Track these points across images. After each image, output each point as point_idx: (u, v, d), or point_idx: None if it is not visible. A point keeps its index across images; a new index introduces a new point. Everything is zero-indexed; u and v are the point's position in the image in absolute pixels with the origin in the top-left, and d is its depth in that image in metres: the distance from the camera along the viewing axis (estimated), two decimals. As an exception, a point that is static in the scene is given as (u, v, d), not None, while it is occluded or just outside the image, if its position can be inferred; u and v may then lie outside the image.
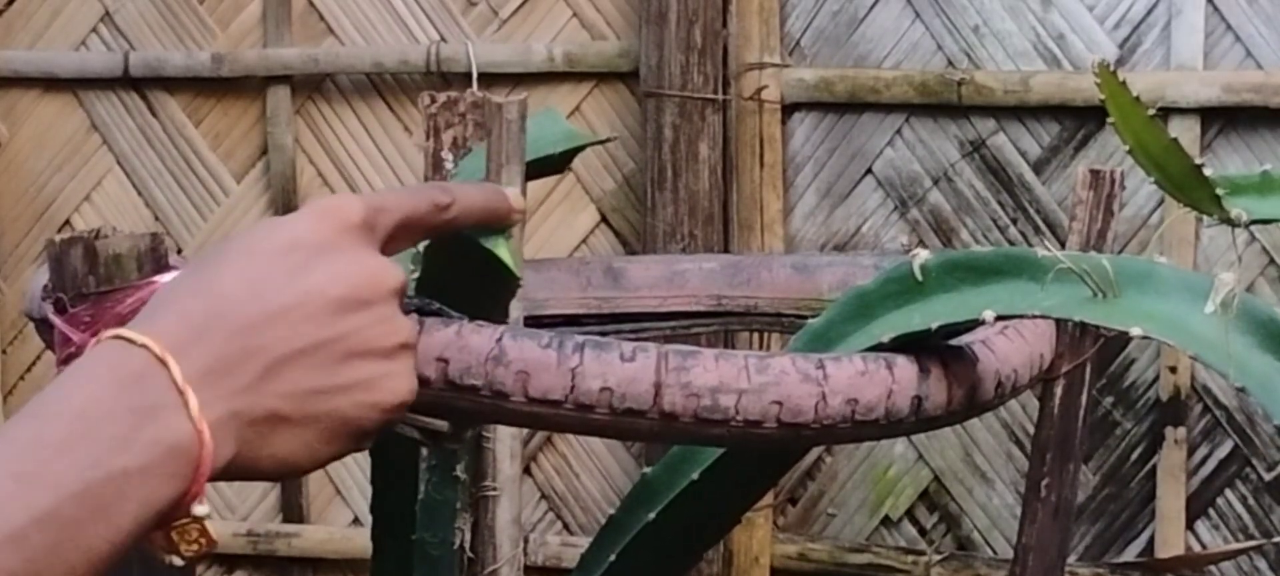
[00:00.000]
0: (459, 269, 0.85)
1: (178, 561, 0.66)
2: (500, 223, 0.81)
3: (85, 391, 0.63)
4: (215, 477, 0.66)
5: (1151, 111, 1.15)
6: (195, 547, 0.65)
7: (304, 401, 0.67)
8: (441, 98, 1.73)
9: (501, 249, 0.84)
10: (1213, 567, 2.33)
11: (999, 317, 0.88)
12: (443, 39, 2.55)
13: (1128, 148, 1.16)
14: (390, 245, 0.74)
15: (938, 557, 2.39)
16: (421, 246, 0.90)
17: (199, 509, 0.64)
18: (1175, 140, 1.16)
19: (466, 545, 1.72)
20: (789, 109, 2.42)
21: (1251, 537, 2.30)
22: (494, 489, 1.72)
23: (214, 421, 0.64)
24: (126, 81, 2.67)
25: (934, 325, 0.87)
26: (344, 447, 0.70)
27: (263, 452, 0.67)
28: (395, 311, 0.71)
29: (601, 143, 2.39)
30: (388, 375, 0.70)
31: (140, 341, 0.64)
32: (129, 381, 0.63)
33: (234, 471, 0.67)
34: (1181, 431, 2.29)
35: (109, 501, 0.61)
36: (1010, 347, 0.95)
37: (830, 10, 2.40)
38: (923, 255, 0.91)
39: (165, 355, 0.64)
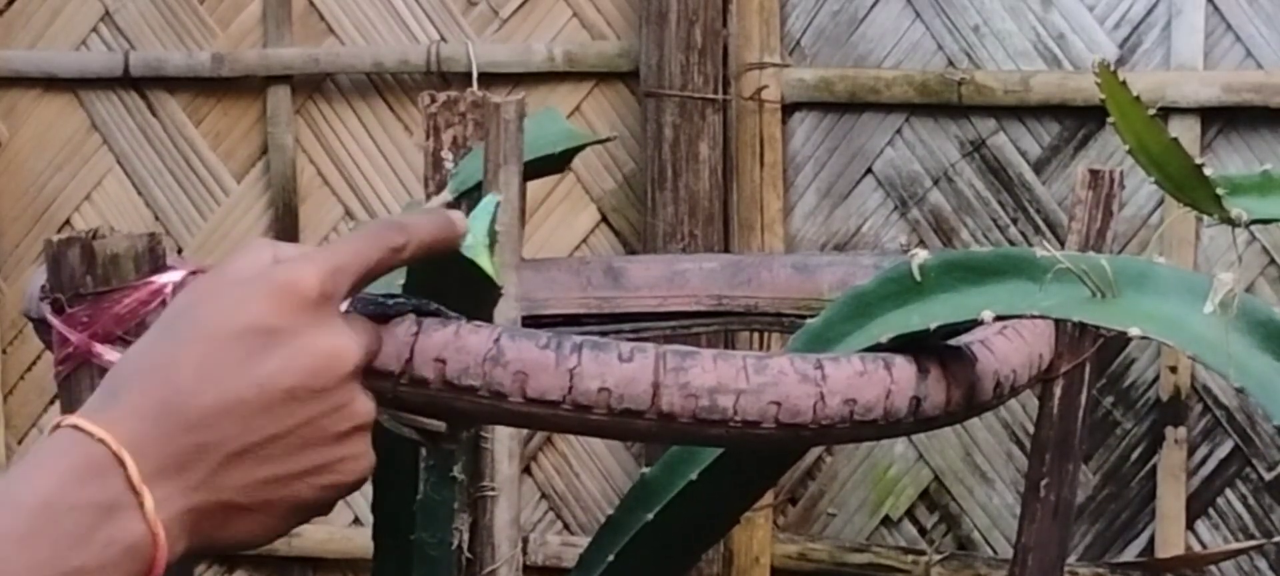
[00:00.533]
0: (442, 277, 0.85)
1: None
2: (452, 247, 0.81)
3: (45, 484, 0.64)
4: (170, 566, 0.67)
5: (1152, 111, 1.15)
6: None
7: (259, 491, 0.68)
8: (441, 97, 1.74)
9: (482, 258, 0.84)
10: (1213, 567, 2.33)
11: (998, 318, 0.88)
12: (443, 39, 2.55)
13: (1128, 147, 1.16)
14: (353, 292, 0.75)
15: (938, 557, 2.39)
16: None
17: None
18: (1175, 140, 1.15)
19: (465, 545, 1.72)
20: (789, 109, 2.41)
21: (1252, 537, 2.30)
22: (492, 489, 1.72)
23: (169, 519, 0.65)
24: (127, 81, 2.67)
25: (933, 325, 0.87)
26: (301, 521, 0.71)
27: (218, 539, 0.68)
28: (352, 393, 0.71)
29: (601, 142, 2.39)
30: (343, 458, 0.71)
31: (98, 435, 0.65)
32: (87, 476, 0.64)
33: (189, 557, 0.68)
34: (1182, 431, 2.29)
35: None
36: (1009, 348, 0.95)
37: (830, 10, 2.40)
38: (922, 255, 0.91)
39: (122, 452, 0.65)
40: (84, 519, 0.63)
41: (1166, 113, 2.21)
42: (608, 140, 2.40)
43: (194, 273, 1.26)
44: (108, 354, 1.21)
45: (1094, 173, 1.72)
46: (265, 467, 0.68)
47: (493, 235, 0.86)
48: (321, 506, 0.71)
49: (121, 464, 0.65)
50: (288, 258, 0.72)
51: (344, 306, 0.77)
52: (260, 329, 0.69)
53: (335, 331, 0.71)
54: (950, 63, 2.36)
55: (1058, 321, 1.14)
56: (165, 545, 0.65)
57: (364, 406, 0.72)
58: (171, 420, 0.67)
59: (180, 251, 2.67)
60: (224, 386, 0.67)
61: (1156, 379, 2.32)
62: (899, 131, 2.39)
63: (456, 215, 0.80)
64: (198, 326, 0.69)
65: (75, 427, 0.66)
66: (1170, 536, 2.31)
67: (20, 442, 2.77)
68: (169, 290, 1.22)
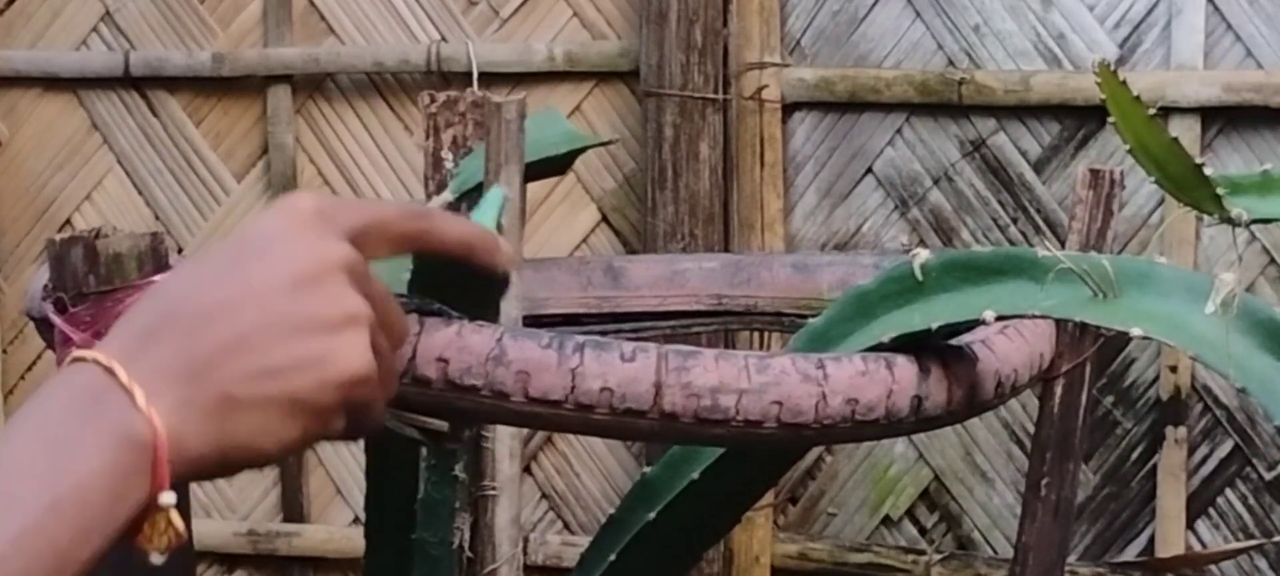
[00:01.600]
0: (449, 270, 0.85)
1: (156, 559, 0.67)
2: (482, 262, 0.79)
3: (44, 412, 0.66)
4: (191, 476, 0.68)
5: (1152, 111, 1.15)
6: (165, 541, 0.67)
7: (253, 383, 0.68)
8: (442, 97, 1.73)
9: None
10: (1213, 567, 2.33)
11: (999, 317, 0.88)
12: (443, 38, 2.55)
13: (1128, 147, 1.16)
14: (364, 252, 0.74)
15: (938, 557, 2.39)
16: None
17: (165, 498, 0.66)
18: (1175, 140, 1.16)
19: (466, 544, 1.72)
20: (789, 108, 2.42)
21: (1252, 537, 2.30)
22: (493, 488, 1.72)
23: (165, 409, 0.66)
24: (127, 81, 2.67)
25: (934, 325, 0.87)
26: (308, 428, 0.70)
27: (226, 441, 0.68)
28: (342, 287, 0.71)
29: (603, 144, 2.39)
30: (336, 348, 0.70)
31: (88, 356, 0.67)
32: (83, 394, 0.66)
33: (207, 467, 0.68)
34: (1182, 431, 2.29)
35: (79, 508, 0.64)
36: (1010, 347, 0.95)
37: (831, 10, 2.40)
38: (923, 255, 0.91)
39: (111, 362, 0.66)
40: (83, 429, 0.65)
41: (1167, 112, 2.21)
42: (609, 143, 2.40)
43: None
44: (109, 353, 1.20)
45: (1094, 172, 1.72)
46: (257, 358, 0.68)
47: (499, 228, 0.86)
48: (323, 409, 0.70)
49: (110, 371, 0.66)
50: None
51: None
52: (253, 239, 0.70)
53: (324, 237, 0.71)
54: (950, 62, 2.36)
55: (1058, 321, 1.14)
56: (164, 435, 0.65)
57: (355, 302, 0.71)
58: (163, 328, 0.68)
59: (181, 251, 2.67)
60: (213, 289, 0.69)
61: (1157, 378, 2.32)
62: (899, 131, 2.40)
63: (506, 246, 0.80)
64: (195, 256, 0.72)
65: (74, 359, 0.68)
66: (1170, 536, 2.31)
67: (21, 442, 2.77)
68: (171, 290, 1.22)
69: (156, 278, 1.22)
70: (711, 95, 2.37)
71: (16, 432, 0.66)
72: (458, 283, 0.84)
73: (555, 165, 1.78)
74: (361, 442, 1.20)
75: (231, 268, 0.70)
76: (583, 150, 1.82)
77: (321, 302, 0.70)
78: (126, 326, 0.69)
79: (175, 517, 0.67)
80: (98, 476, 0.64)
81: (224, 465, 0.69)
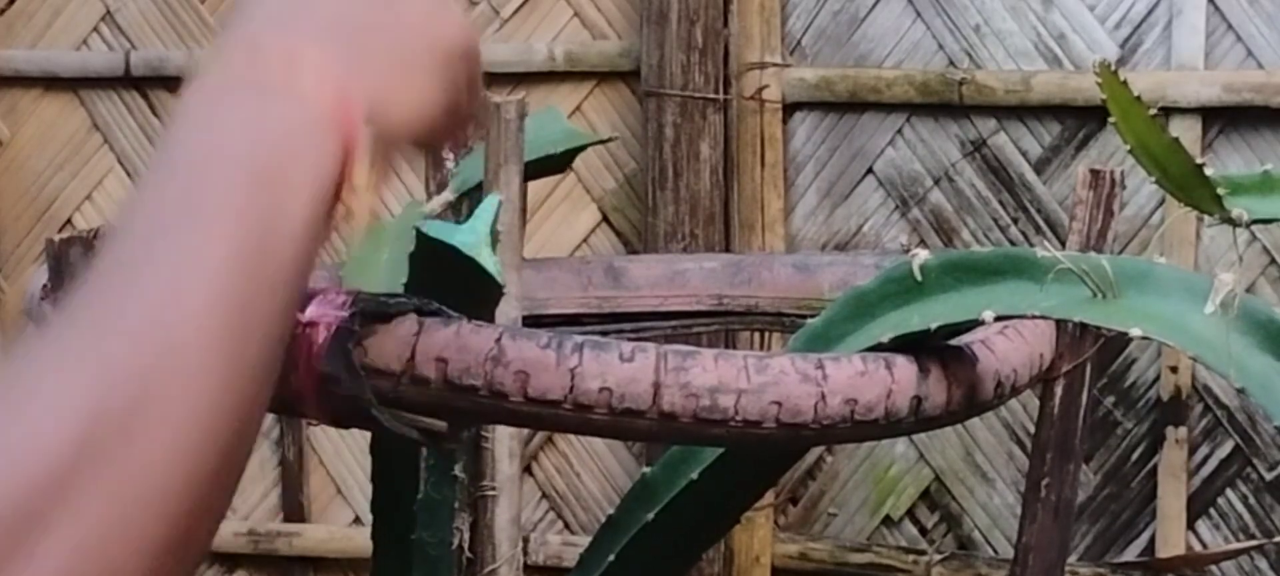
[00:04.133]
0: (444, 276, 0.85)
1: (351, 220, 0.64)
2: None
3: (204, 84, 0.63)
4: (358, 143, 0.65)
5: (1152, 111, 1.15)
6: (361, 204, 0.64)
7: (395, 47, 0.69)
8: (442, 97, 1.73)
9: (485, 257, 0.84)
10: (1214, 567, 2.33)
11: (999, 318, 0.88)
12: (444, 38, 2.55)
13: (1129, 147, 1.16)
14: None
15: (938, 557, 2.39)
16: (409, 253, 0.90)
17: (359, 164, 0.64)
18: (1176, 140, 1.16)
19: (465, 544, 1.72)
20: (790, 108, 2.41)
21: (1252, 537, 2.30)
22: (493, 488, 1.72)
23: (334, 76, 0.64)
24: (128, 81, 2.67)
25: (933, 325, 0.87)
26: (443, 94, 0.71)
27: (386, 106, 0.67)
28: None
29: (602, 142, 2.39)
30: (446, 37, 0.72)
31: (241, 29, 0.64)
32: (244, 56, 0.63)
33: (369, 145, 0.66)
34: (1182, 431, 2.29)
35: (284, 168, 0.60)
36: (1010, 347, 0.95)
37: (831, 10, 2.40)
38: (922, 255, 0.91)
39: (260, 33, 0.64)
40: (251, 104, 0.61)
41: (1167, 112, 2.21)
42: (609, 141, 2.40)
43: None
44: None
45: (1095, 172, 1.72)
46: (387, 35, 0.69)
47: (495, 234, 0.86)
48: (442, 96, 0.71)
49: (260, 49, 0.63)
50: None
51: (348, 307, 0.77)
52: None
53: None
54: (951, 62, 2.36)
55: (1058, 321, 1.14)
56: (345, 98, 0.63)
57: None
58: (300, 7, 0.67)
59: (181, 251, 2.66)
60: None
61: (1157, 379, 2.31)
62: (900, 131, 2.39)
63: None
64: None
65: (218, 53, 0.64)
66: (1171, 536, 2.31)
67: (21, 442, 2.77)
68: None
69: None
70: (712, 95, 2.37)
71: (187, 126, 0.61)
72: (452, 291, 0.84)
73: (554, 163, 1.78)
74: (360, 442, 1.19)
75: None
76: (583, 148, 1.82)
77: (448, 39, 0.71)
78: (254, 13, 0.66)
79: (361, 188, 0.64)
80: (279, 146, 0.60)
81: (385, 143, 0.67)
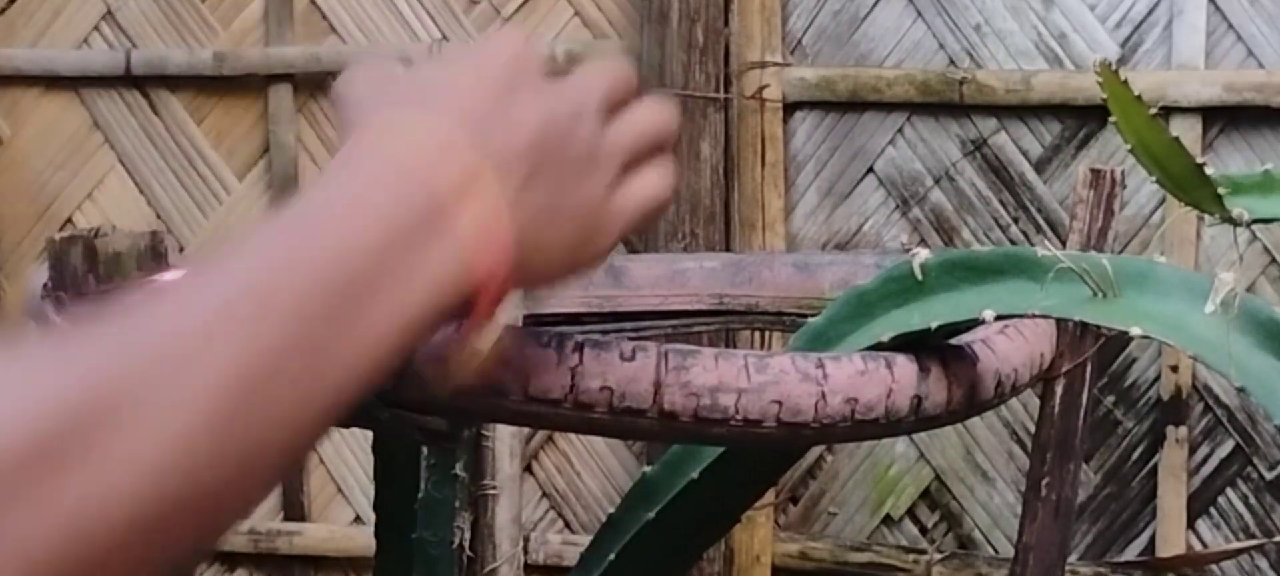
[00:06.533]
0: None
1: (459, 378, 0.61)
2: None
3: (364, 161, 0.58)
4: (505, 278, 0.61)
5: (1153, 111, 1.15)
6: (469, 366, 0.61)
7: (558, 194, 0.65)
8: (443, 96, 1.73)
9: None
10: (1214, 567, 2.33)
11: (999, 317, 0.88)
12: (445, 37, 2.55)
13: (1129, 147, 1.16)
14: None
15: (939, 556, 2.39)
16: None
17: (499, 313, 0.61)
18: (1177, 139, 1.16)
19: (466, 543, 1.72)
20: (790, 108, 2.41)
21: (1253, 537, 2.30)
22: (494, 487, 1.72)
23: (503, 208, 0.60)
24: (128, 80, 2.67)
25: (934, 324, 0.87)
26: (604, 238, 0.68)
27: (532, 256, 0.64)
28: (598, 126, 0.69)
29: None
30: (597, 193, 0.68)
31: (422, 121, 0.60)
32: (421, 149, 0.59)
33: (511, 282, 0.63)
34: (1183, 430, 2.29)
35: (398, 269, 0.56)
36: (1010, 347, 0.95)
37: (832, 9, 2.40)
38: (923, 254, 0.91)
39: (453, 132, 0.59)
40: (415, 192, 0.57)
41: (1168, 112, 2.21)
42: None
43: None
44: (110, 352, 1.20)
45: (1095, 172, 1.72)
46: (559, 174, 0.65)
47: None
48: (589, 247, 0.68)
49: (452, 146, 0.59)
50: None
51: None
52: (517, 71, 0.66)
53: (574, 83, 0.69)
54: (952, 62, 2.36)
55: (1059, 321, 1.14)
56: (506, 228, 0.59)
57: (614, 140, 0.69)
58: (473, 123, 0.62)
59: (182, 250, 2.67)
60: (519, 106, 0.64)
61: (1157, 378, 2.32)
62: (900, 130, 2.40)
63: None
64: (462, 67, 0.65)
65: (380, 127, 0.59)
66: (1171, 535, 2.31)
67: (22, 441, 2.77)
68: (171, 288, 1.22)
69: (157, 277, 1.22)
70: (713, 94, 2.37)
71: (334, 182, 0.58)
72: None
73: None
74: (361, 442, 1.19)
75: (524, 90, 0.64)
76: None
77: (590, 136, 0.67)
78: (430, 109, 0.61)
79: (491, 341, 0.60)
80: (433, 242, 0.57)
81: (522, 284, 0.64)
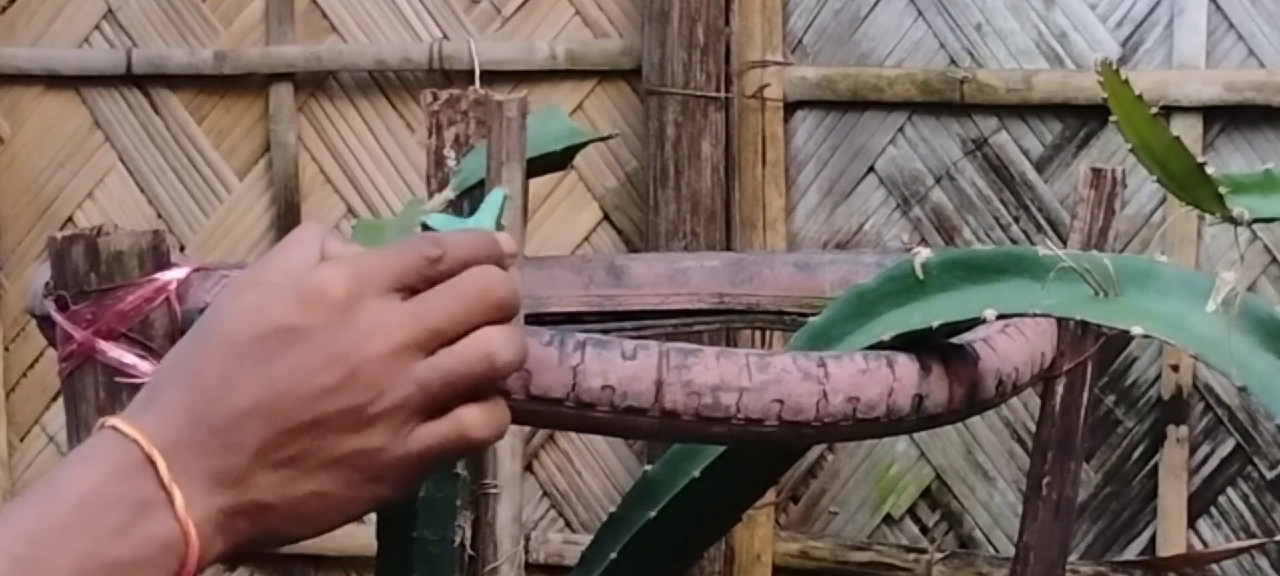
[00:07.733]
0: None
1: None
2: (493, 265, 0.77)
3: (84, 481, 0.67)
4: (210, 563, 0.70)
5: (1154, 110, 1.15)
6: None
7: (288, 486, 0.70)
8: (444, 95, 1.73)
9: None
10: (1214, 566, 2.33)
11: (1000, 316, 0.88)
12: (445, 37, 2.55)
13: (1130, 146, 1.16)
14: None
15: (939, 555, 2.39)
16: None
17: None
18: (1177, 139, 1.16)
19: (467, 543, 1.72)
20: (791, 107, 2.41)
21: (1253, 536, 2.30)
22: (495, 486, 1.72)
23: (201, 519, 0.68)
24: (129, 79, 2.67)
25: (935, 323, 0.87)
26: (342, 521, 0.72)
27: (256, 538, 0.70)
28: (379, 374, 0.69)
29: (603, 139, 2.39)
30: (373, 448, 0.70)
31: (131, 435, 0.68)
32: (122, 474, 0.67)
33: (230, 557, 0.71)
34: (1183, 430, 2.29)
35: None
36: (1011, 346, 0.95)
37: (833, 8, 2.40)
38: (924, 253, 0.91)
39: (152, 452, 0.67)
40: (119, 514, 0.66)
41: (1168, 111, 2.21)
42: (609, 138, 2.40)
43: (197, 270, 1.26)
44: (111, 351, 1.21)
45: (1096, 171, 1.72)
46: (291, 466, 0.69)
47: (500, 228, 0.86)
48: (360, 502, 0.71)
49: (152, 463, 0.67)
50: (332, 254, 0.73)
51: None
52: (280, 330, 0.69)
53: (355, 328, 0.70)
54: (952, 61, 2.36)
55: (1060, 320, 1.14)
56: (196, 543, 0.67)
57: (399, 387, 0.70)
58: (199, 423, 0.69)
59: (182, 249, 2.67)
60: (243, 389, 0.69)
61: (1158, 377, 2.32)
62: (901, 130, 2.39)
63: (503, 237, 0.77)
64: (222, 331, 0.70)
65: (113, 428, 0.69)
66: (1172, 535, 2.31)
67: (22, 440, 2.77)
68: (172, 287, 1.22)
69: (158, 276, 1.22)
70: (713, 94, 2.37)
71: (55, 491, 0.67)
72: None
73: (555, 161, 1.78)
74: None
75: (258, 362, 0.69)
76: (583, 145, 1.82)
77: (355, 408, 0.69)
78: (162, 406, 0.69)
79: None
80: (128, 568, 0.66)
81: (246, 554, 0.72)
